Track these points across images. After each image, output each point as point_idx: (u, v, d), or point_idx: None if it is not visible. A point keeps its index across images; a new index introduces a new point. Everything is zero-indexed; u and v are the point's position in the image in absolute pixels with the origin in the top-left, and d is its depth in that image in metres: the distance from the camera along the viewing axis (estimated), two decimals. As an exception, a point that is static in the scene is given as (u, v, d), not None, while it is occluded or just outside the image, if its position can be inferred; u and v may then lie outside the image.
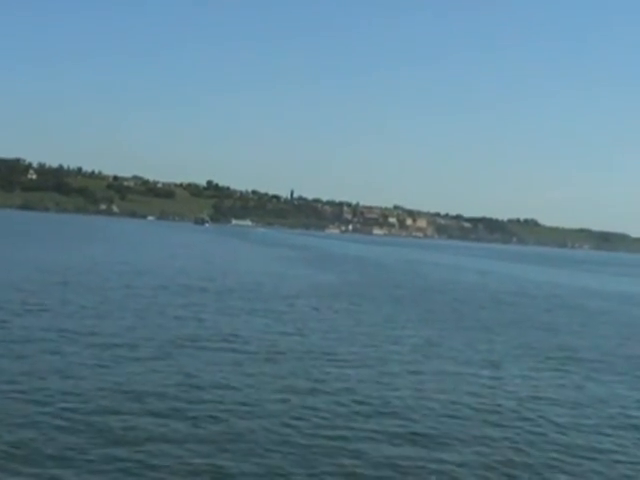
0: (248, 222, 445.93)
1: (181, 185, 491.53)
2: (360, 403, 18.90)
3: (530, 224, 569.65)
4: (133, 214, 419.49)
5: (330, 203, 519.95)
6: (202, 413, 16.90)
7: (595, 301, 59.12)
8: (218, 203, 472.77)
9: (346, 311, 39.03)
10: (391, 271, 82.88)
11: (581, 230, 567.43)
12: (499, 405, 19.87)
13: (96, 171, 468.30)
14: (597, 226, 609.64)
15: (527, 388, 22.31)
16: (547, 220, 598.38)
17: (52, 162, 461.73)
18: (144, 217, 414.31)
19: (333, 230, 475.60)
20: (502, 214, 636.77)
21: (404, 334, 31.64)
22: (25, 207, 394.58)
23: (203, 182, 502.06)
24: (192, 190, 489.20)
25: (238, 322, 31.89)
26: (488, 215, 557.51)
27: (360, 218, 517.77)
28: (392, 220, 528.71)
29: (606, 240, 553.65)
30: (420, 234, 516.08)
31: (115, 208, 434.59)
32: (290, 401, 18.77)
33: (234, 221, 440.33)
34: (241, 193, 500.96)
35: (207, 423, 16.33)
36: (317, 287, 52.68)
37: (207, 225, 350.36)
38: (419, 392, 20.73)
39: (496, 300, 52.61)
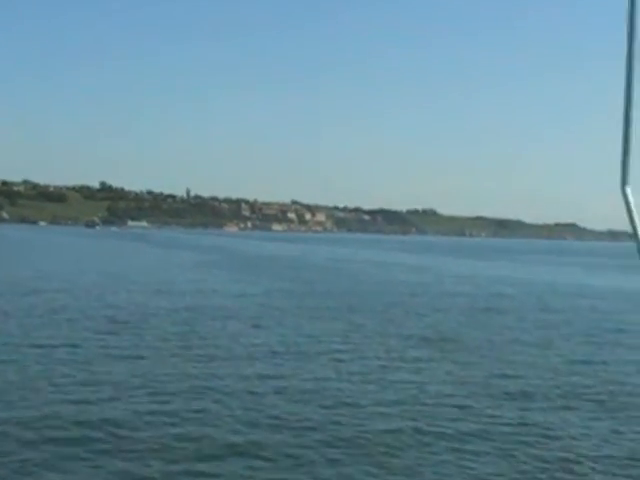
0: (144, 223, 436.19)
1: (73, 188, 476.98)
2: None
3: (428, 214, 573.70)
4: (24, 220, 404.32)
5: (227, 201, 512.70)
6: None
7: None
8: (112, 205, 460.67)
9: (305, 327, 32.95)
10: (318, 272, 77.04)
11: (478, 218, 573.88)
12: None
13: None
14: (493, 213, 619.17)
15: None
16: (445, 209, 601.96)
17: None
18: (35, 223, 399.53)
19: (232, 228, 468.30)
20: (400, 205, 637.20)
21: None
22: None
23: (96, 184, 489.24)
24: (85, 193, 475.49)
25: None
26: (386, 207, 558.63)
27: (259, 215, 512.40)
28: (291, 215, 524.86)
29: (502, 227, 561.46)
30: (319, 228, 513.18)
31: (5, 214, 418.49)
32: None
33: (130, 222, 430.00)
34: (136, 194, 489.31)
35: None
36: (252, 301, 46.44)
37: (98, 228, 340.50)
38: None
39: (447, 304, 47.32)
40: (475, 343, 30.51)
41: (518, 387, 21.72)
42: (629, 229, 3.39)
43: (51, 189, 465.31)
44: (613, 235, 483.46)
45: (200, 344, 28.23)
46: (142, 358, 25.12)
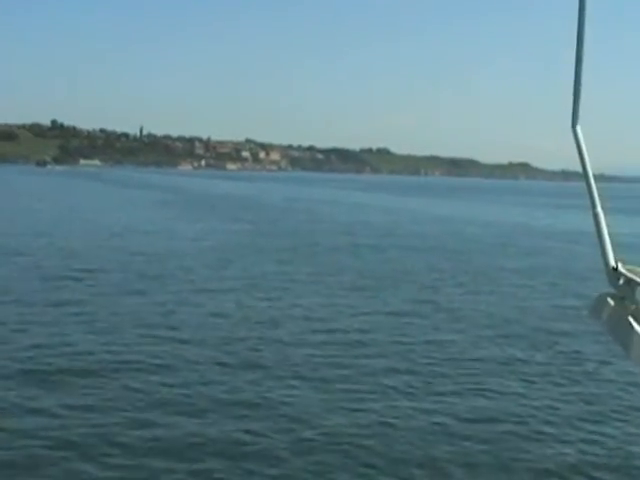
0: (97, 162, 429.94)
1: (24, 126, 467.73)
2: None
3: (382, 153, 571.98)
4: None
5: (181, 139, 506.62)
6: None
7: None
8: (64, 143, 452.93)
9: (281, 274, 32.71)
10: (276, 212, 76.73)
11: (432, 157, 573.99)
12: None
13: None
14: (447, 152, 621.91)
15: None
16: (398, 148, 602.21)
17: None
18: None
19: (186, 166, 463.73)
20: (354, 144, 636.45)
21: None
22: None
23: (48, 122, 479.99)
24: (36, 131, 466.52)
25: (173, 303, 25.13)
26: (340, 145, 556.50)
27: (213, 153, 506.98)
28: (245, 154, 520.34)
29: (456, 166, 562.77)
30: (274, 167, 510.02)
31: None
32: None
33: (82, 161, 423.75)
34: (88, 132, 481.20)
35: None
36: (221, 242, 46.01)
37: (49, 167, 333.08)
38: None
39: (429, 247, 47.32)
40: (443, 287, 30.53)
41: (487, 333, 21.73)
42: (580, 169, 3.43)
43: (1, 127, 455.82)
44: (566, 175, 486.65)
45: (160, 290, 27.19)
46: (98, 306, 23.80)
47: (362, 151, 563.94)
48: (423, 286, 30.26)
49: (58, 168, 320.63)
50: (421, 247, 45.55)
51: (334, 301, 26.18)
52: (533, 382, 16.73)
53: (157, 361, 17.59)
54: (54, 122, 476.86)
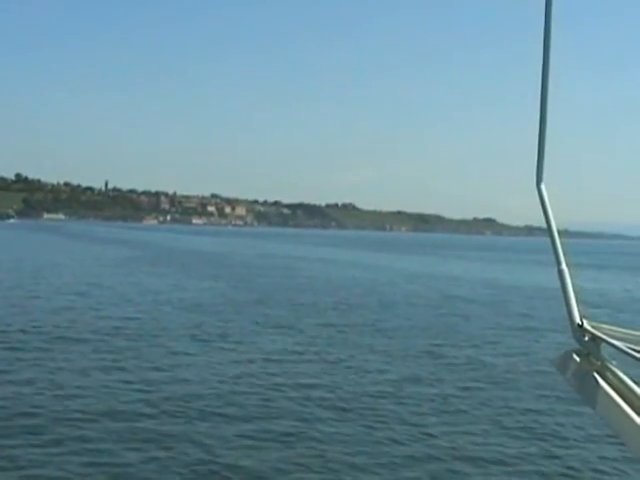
0: (61, 216, 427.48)
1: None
2: None
3: (348, 208, 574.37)
4: None
5: (146, 193, 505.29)
6: None
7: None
8: (28, 197, 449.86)
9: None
10: (253, 269, 75.54)
11: (398, 213, 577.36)
12: None
13: None
14: (413, 208, 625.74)
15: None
16: (364, 204, 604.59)
17: None
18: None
19: (151, 221, 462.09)
20: (320, 199, 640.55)
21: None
22: None
23: (11, 175, 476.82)
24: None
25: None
26: (306, 201, 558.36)
27: (178, 208, 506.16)
28: (211, 209, 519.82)
29: (422, 221, 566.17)
30: (240, 222, 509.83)
31: None
32: None
33: (46, 215, 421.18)
34: (52, 186, 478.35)
35: None
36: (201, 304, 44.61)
37: (12, 220, 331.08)
38: None
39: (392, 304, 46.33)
40: (429, 347, 29.53)
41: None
42: (544, 225, 3.50)
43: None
44: (530, 230, 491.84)
45: (130, 355, 25.46)
46: (61, 372, 22.20)
47: (328, 206, 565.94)
48: (410, 347, 29.19)
49: (21, 222, 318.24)
50: (402, 303, 44.84)
51: (325, 368, 24.74)
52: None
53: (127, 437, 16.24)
54: (18, 175, 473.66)
